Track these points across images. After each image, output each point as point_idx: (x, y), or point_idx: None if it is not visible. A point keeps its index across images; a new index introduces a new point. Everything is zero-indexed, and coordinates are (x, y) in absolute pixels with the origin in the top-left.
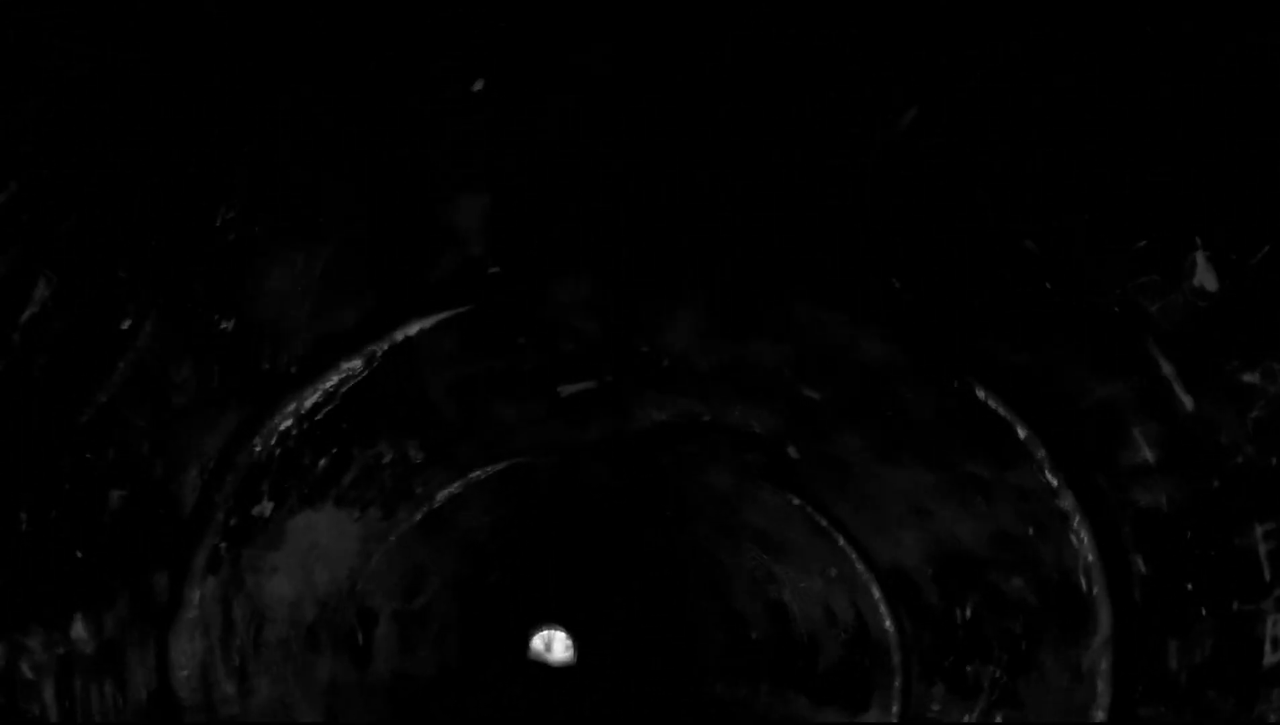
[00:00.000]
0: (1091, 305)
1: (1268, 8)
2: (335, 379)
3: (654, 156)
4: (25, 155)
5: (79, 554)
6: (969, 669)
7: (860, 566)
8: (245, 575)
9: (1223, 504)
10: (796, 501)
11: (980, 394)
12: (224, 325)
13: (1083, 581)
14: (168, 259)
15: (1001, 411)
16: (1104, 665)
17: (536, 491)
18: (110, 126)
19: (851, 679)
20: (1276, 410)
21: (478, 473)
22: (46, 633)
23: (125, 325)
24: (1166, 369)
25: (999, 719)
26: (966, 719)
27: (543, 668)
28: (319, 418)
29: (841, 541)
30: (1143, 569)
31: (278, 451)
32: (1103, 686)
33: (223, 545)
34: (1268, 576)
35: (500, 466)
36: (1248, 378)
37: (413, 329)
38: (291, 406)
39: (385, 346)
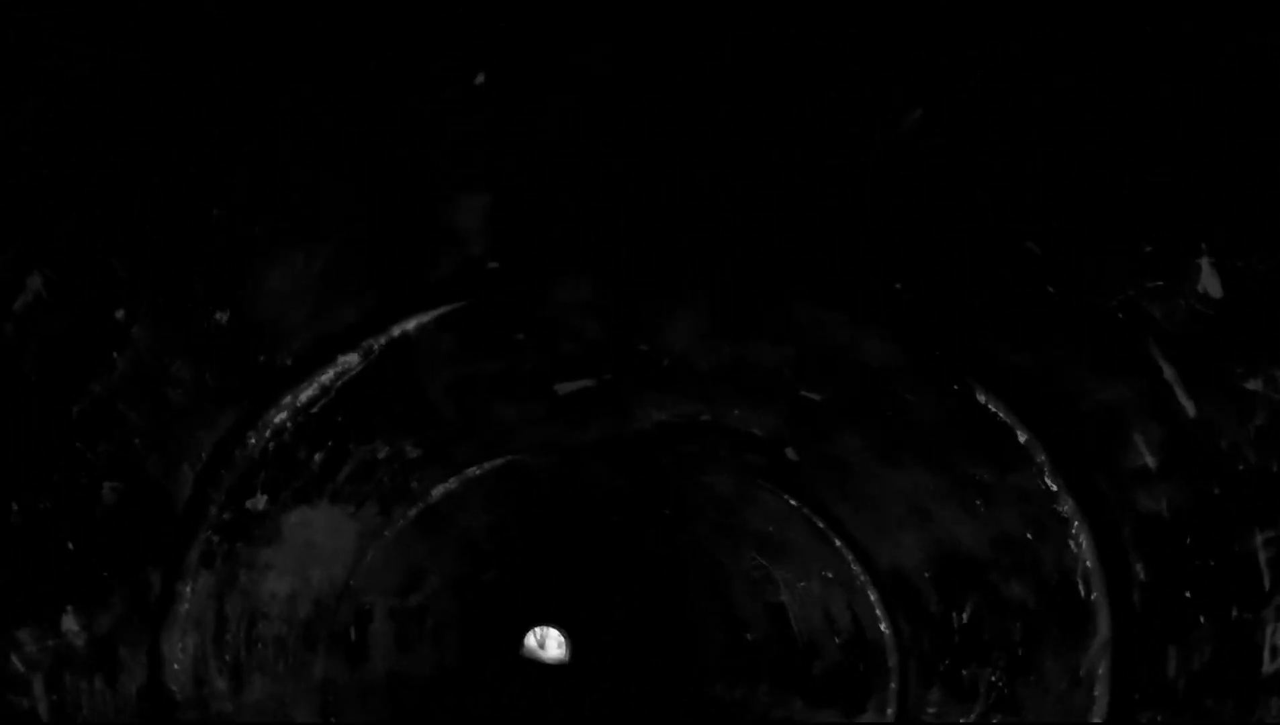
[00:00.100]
0: (1093, 308)
1: (1268, 8)
2: (331, 373)
3: (654, 156)
4: (25, 155)
5: (71, 547)
6: (966, 672)
7: (858, 568)
8: (239, 571)
9: (1223, 510)
10: (796, 503)
11: (981, 397)
12: (222, 323)
13: (1082, 586)
14: (167, 258)
15: (1002, 414)
16: (1102, 670)
17: (535, 491)
18: (110, 126)
19: (848, 681)
20: (1279, 417)
21: (475, 470)
22: (37, 626)
23: (122, 322)
24: (1169, 373)
25: (996, 722)
26: (963, 722)
27: (541, 667)
28: (314, 412)
29: (840, 543)
30: (1142, 574)
31: (272, 446)
32: (1101, 691)
33: (216, 540)
34: (1268, 584)
35: (498, 464)
36: (1250, 384)
37: (410, 324)
38: (286, 400)
39: (382, 341)
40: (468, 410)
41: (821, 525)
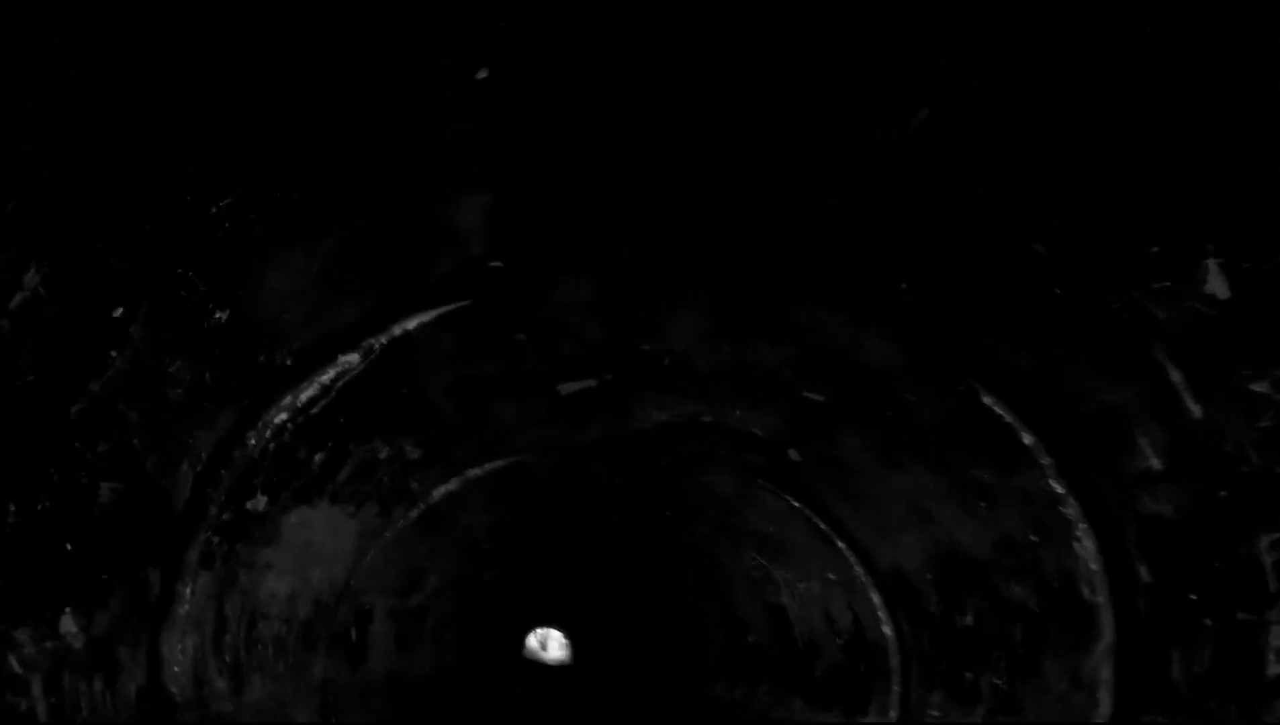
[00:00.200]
0: (1096, 308)
1: (1268, 8)
2: (331, 373)
3: (654, 156)
4: (25, 155)
5: (69, 547)
6: (968, 674)
7: (859, 569)
8: (239, 571)
9: (1228, 513)
10: (796, 503)
11: (983, 397)
12: (222, 323)
13: (1085, 589)
14: (167, 257)
15: (1005, 415)
16: (1106, 673)
17: (535, 491)
18: (110, 126)
19: (849, 682)
20: None
21: (475, 471)
22: (36, 627)
23: (121, 321)
24: (1174, 376)
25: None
26: (966, 724)
27: (540, 667)
28: (314, 412)
29: (841, 544)
30: (1146, 577)
31: (272, 446)
32: (1104, 695)
33: (216, 540)
34: (1272, 587)
35: (499, 465)
36: (1257, 387)
37: (411, 324)
38: (286, 400)
39: (383, 341)
40: (468, 410)
41: (822, 526)
